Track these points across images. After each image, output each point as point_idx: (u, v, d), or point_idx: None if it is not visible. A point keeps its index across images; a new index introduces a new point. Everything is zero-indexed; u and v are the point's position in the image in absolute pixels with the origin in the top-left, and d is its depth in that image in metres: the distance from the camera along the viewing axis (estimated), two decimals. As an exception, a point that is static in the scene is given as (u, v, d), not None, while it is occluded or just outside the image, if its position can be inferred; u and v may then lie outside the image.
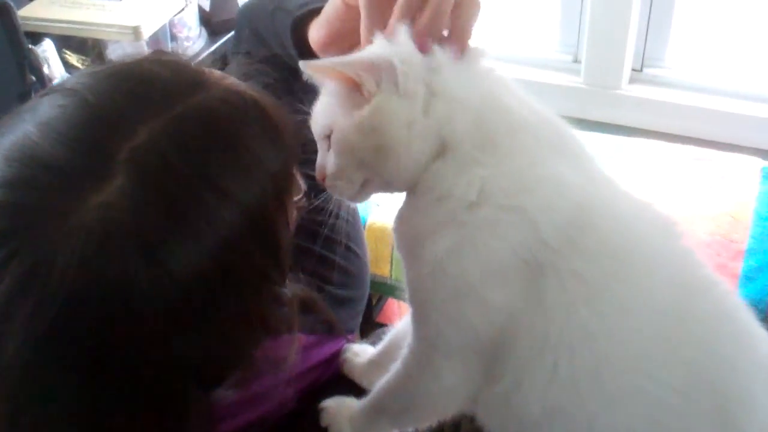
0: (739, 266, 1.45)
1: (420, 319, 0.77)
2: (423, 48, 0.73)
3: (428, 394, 0.79)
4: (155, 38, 1.97)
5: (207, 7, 2.15)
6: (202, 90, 0.69)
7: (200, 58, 2.04)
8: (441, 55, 0.74)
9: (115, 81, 0.68)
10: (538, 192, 0.70)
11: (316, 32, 0.87)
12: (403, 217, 0.77)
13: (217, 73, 0.73)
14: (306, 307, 0.89)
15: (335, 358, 0.95)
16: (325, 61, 0.75)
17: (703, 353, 0.71)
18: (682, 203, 1.57)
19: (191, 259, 0.63)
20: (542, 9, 2.17)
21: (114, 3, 1.97)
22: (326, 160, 0.77)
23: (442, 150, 0.74)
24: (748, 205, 1.57)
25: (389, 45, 0.74)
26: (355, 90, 0.74)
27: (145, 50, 1.99)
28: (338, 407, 0.88)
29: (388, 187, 0.78)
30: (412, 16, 0.74)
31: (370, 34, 0.76)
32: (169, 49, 2.01)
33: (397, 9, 0.75)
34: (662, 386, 0.69)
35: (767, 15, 1.95)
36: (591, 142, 1.78)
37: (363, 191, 0.78)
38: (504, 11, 2.25)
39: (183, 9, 2.04)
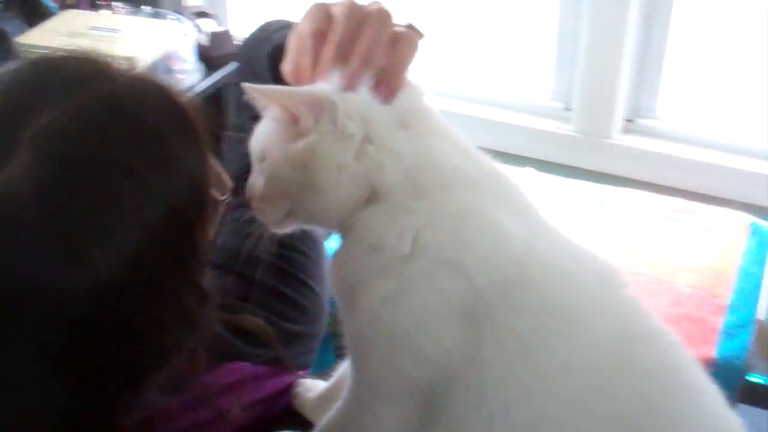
0: (720, 321, 1.44)
1: (358, 364, 0.77)
2: (350, 85, 0.74)
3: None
4: (152, 68, 1.98)
5: (206, 42, 2.17)
6: (108, 79, 0.69)
7: (196, 91, 2.05)
8: (368, 97, 0.73)
9: (26, 68, 0.69)
10: (475, 245, 0.70)
11: (285, 64, 0.86)
12: (338, 262, 0.76)
13: (126, 67, 0.73)
14: (252, 336, 0.89)
15: (286, 392, 0.95)
16: (269, 88, 0.75)
17: (643, 409, 0.70)
18: (666, 254, 1.56)
19: (102, 246, 0.62)
20: (536, 55, 2.19)
21: (113, 34, 2.00)
22: (257, 181, 0.77)
23: (373, 196, 0.73)
24: (733, 260, 1.57)
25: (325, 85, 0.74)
26: (293, 122, 0.74)
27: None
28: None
29: (313, 222, 0.78)
30: (343, 56, 0.75)
31: (304, 72, 0.77)
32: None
33: (327, 50, 0.75)
34: None
35: (759, 69, 1.97)
36: (577, 190, 1.79)
37: (286, 221, 0.78)
38: (497, 54, 2.28)
39: (180, 43, 2.06)
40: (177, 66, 2.05)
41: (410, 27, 0.79)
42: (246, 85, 0.75)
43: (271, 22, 1.14)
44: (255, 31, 1.14)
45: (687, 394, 0.73)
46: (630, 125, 2.11)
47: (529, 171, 1.86)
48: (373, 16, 0.76)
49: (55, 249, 0.61)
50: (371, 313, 0.71)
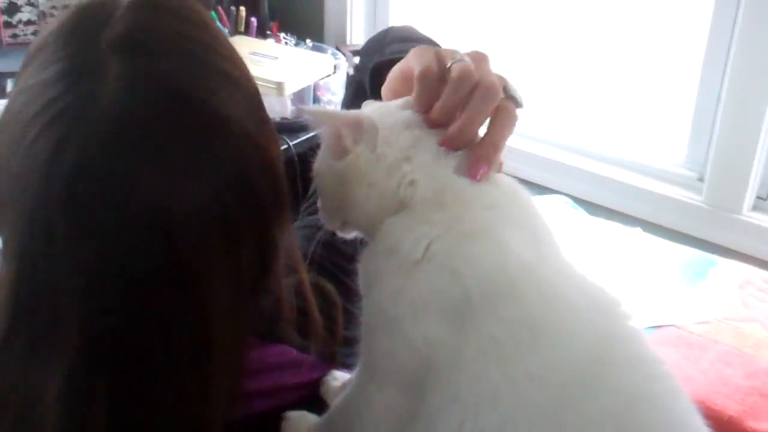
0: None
1: (364, 349, 0.84)
2: (449, 148, 0.77)
3: (360, 419, 0.85)
4: (299, 95, 2.16)
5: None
6: None
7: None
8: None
9: None
10: (477, 261, 0.74)
11: (383, 89, 0.88)
12: (362, 261, 0.84)
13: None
14: (305, 328, 0.94)
15: (315, 383, 1.02)
16: (318, 110, 0.84)
17: (610, 428, 0.71)
18: (754, 328, 1.53)
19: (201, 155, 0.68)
20: (673, 121, 2.18)
21: (271, 60, 2.19)
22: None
23: (400, 207, 0.80)
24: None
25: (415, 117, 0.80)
26: (339, 142, 0.81)
27: (289, 106, 2.19)
28: (299, 419, 0.95)
29: (356, 229, 0.86)
30: (445, 122, 0.77)
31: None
32: (310, 108, 2.19)
33: (442, 100, 0.77)
34: None
35: None
36: (683, 255, 1.78)
37: (344, 228, 0.87)
38: (633, 117, 2.29)
39: (330, 75, 2.23)
40: (325, 97, 2.22)
41: (510, 95, 0.80)
42: (301, 107, 0.84)
43: (393, 28, 1.15)
44: (376, 35, 1.15)
45: (665, 424, 0.73)
46: (762, 203, 2.06)
47: (637, 231, 1.87)
48: (482, 89, 0.76)
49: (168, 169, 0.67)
50: (379, 305, 0.78)
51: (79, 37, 0.70)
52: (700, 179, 2.12)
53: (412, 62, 0.80)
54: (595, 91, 2.35)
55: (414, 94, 0.80)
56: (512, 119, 0.79)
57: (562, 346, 0.73)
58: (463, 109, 0.77)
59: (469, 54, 0.80)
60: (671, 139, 2.21)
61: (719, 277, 1.70)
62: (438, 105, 0.77)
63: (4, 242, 0.69)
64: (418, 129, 0.80)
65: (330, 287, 0.97)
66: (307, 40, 2.42)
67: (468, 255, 0.75)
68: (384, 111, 0.83)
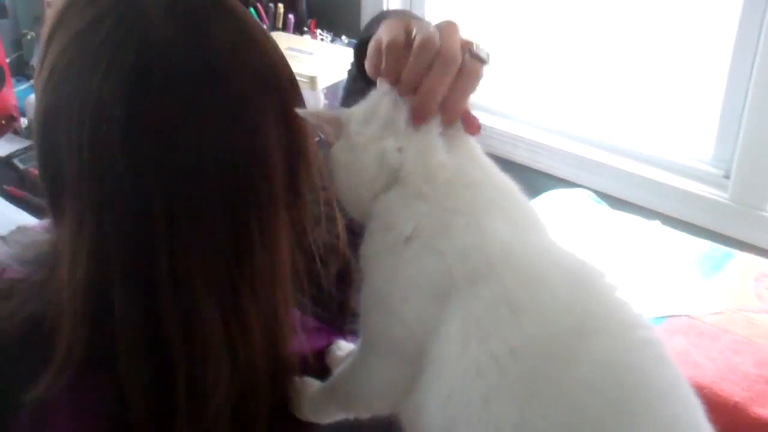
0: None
1: (363, 324, 0.89)
2: (417, 122, 0.82)
3: (362, 388, 0.89)
4: (333, 89, 2.22)
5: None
6: None
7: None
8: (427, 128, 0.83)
9: None
10: (460, 241, 0.79)
11: (366, 62, 0.91)
12: (363, 242, 0.87)
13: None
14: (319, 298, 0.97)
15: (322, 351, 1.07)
16: (307, 112, 0.86)
17: (594, 401, 0.73)
18: (766, 319, 1.55)
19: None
20: (701, 119, 2.20)
21: (306, 56, 2.26)
22: None
23: (391, 182, 0.84)
24: None
25: (388, 92, 0.84)
26: (327, 138, 0.87)
27: (322, 100, 2.26)
28: (302, 384, 1.00)
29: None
30: (409, 90, 0.82)
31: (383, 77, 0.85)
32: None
33: (405, 72, 0.81)
34: (546, 421, 0.74)
35: None
36: (701, 248, 1.80)
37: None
38: (660, 114, 2.30)
39: (363, 70, 2.28)
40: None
41: (474, 53, 0.84)
42: (296, 110, 0.84)
43: (388, 11, 1.20)
44: (371, 20, 1.21)
45: (646, 391, 0.74)
46: (787, 201, 2.07)
47: (655, 224, 1.90)
48: (442, 57, 0.80)
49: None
50: (375, 285, 0.83)
51: None
52: (726, 176, 2.14)
53: (381, 35, 0.84)
54: (623, 87, 2.37)
55: (383, 66, 0.83)
56: (474, 78, 0.82)
57: (541, 321, 0.76)
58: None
59: (438, 24, 0.84)
60: (698, 137, 2.23)
61: (735, 269, 1.72)
62: (403, 74, 0.81)
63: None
64: (393, 104, 0.83)
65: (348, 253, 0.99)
66: (343, 37, 2.49)
67: (450, 235, 0.79)
68: (371, 96, 0.87)
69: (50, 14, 0.81)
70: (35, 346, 0.77)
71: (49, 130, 0.77)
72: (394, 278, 0.82)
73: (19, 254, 0.83)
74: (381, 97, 0.85)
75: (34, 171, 1.91)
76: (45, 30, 0.80)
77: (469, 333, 0.76)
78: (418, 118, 0.82)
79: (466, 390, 0.76)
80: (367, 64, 0.87)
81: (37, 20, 2.45)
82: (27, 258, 0.83)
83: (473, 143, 0.87)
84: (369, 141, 0.84)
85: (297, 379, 0.97)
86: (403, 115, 0.83)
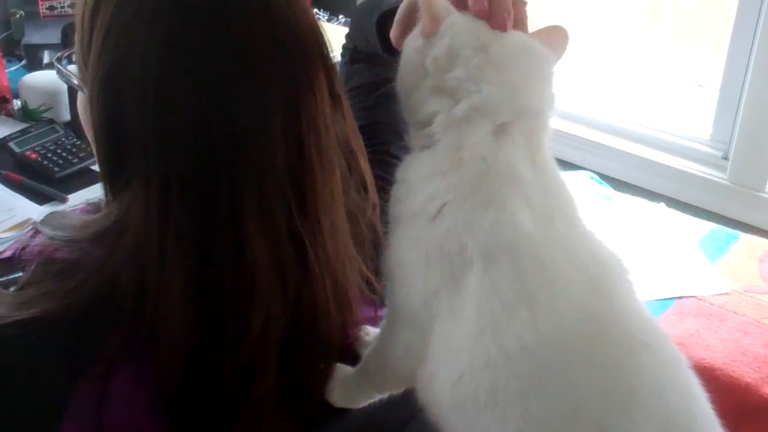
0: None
1: (388, 291, 0.89)
2: (498, 26, 0.82)
3: (387, 356, 0.89)
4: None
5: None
6: None
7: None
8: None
9: None
10: (483, 233, 0.78)
11: (391, 30, 0.92)
12: (392, 194, 0.86)
13: None
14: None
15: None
16: None
17: (594, 397, 0.75)
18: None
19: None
20: (699, 101, 2.21)
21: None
22: None
23: (428, 140, 0.84)
24: None
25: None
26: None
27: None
28: (335, 371, 1.00)
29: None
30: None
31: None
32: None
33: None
34: (549, 417, 0.75)
35: None
36: (707, 230, 1.82)
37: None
38: (660, 96, 2.31)
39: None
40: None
41: None
42: None
43: None
44: (364, 2, 1.21)
45: (649, 395, 0.75)
46: (785, 181, 2.09)
47: (660, 206, 1.91)
48: None
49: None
50: (398, 251, 0.83)
51: None
52: (725, 157, 2.15)
53: None
54: (623, 69, 2.38)
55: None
56: None
57: (555, 323, 0.76)
58: None
59: None
60: (697, 118, 2.24)
61: (740, 250, 1.74)
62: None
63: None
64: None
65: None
66: (340, 16, 2.47)
67: (476, 227, 0.78)
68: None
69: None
70: (101, 320, 0.80)
71: (111, 95, 0.80)
72: (413, 251, 0.81)
73: (69, 236, 0.84)
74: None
75: (31, 155, 1.88)
76: (86, 7, 0.82)
77: (485, 323, 0.77)
78: (497, 23, 0.82)
79: (475, 377, 0.77)
80: (395, 32, 0.88)
81: (26, -1, 2.41)
82: (81, 236, 0.84)
83: (541, 141, 0.87)
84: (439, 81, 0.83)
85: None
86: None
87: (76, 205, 0.95)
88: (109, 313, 0.80)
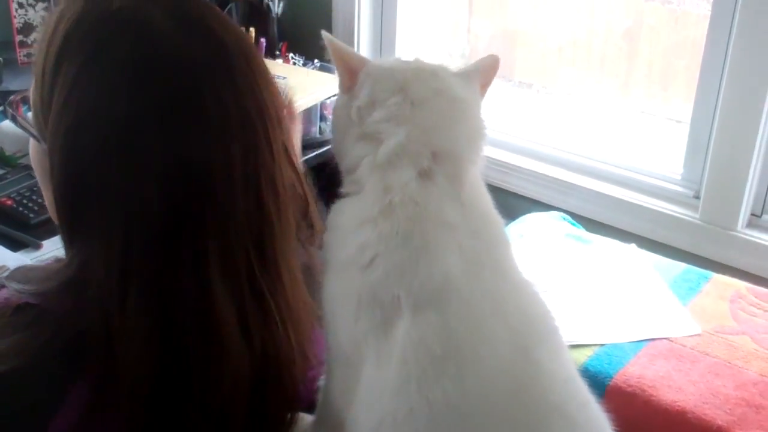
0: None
1: (325, 330, 0.90)
2: None
3: (331, 399, 0.90)
4: (307, 113, 2.22)
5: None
6: None
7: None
8: None
9: None
10: (414, 282, 0.81)
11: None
12: (324, 239, 0.90)
13: None
14: None
15: None
16: (333, 42, 0.95)
17: None
18: (744, 341, 1.58)
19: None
20: (670, 140, 2.24)
21: (279, 80, 2.25)
22: None
23: (354, 186, 0.88)
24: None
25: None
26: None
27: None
28: (301, 420, 1.00)
29: None
30: None
31: None
32: (317, 127, 2.27)
33: None
34: None
35: None
36: (677, 270, 1.84)
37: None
38: (630, 136, 2.34)
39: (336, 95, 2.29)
40: (331, 114, 2.28)
41: None
42: (324, 33, 0.95)
43: None
44: None
45: None
46: (756, 220, 2.11)
47: (632, 247, 1.93)
48: None
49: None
50: (329, 295, 0.86)
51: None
52: (696, 196, 2.18)
53: None
54: (594, 108, 2.41)
55: None
56: None
57: (481, 381, 0.78)
58: None
59: None
60: (668, 157, 2.27)
61: (711, 291, 1.76)
62: None
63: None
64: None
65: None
66: (315, 61, 2.49)
67: (407, 277, 0.81)
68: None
69: (45, 47, 0.84)
70: (67, 369, 0.81)
71: (74, 148, 0.81)
72: (347, 295, 0.84)
73: (35, 288, 0.85)
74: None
75: (6, 201, 1.88)
76: (46, 63, 0.84)
77: (410, 372, 0.78)
78: None
79: (396, 425, 0.78)
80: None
81: (4, 45, 2.42)
82: (47, 288, 0.85)
83: (473, 175, 0.89)
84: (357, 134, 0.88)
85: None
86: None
87: (45, 256, 0.94)
88: (76, 362, 0.81)
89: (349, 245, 0.85)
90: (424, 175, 0.86)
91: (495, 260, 0.86)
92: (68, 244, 0.85)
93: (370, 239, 0.84)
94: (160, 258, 0.81)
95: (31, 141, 0.93)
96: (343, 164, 0.91)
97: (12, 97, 0.98)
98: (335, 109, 0.93)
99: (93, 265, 0.81)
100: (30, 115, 0.94)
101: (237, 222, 0.83)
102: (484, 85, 0.97)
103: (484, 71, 0.96)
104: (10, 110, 0.97)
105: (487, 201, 0.91)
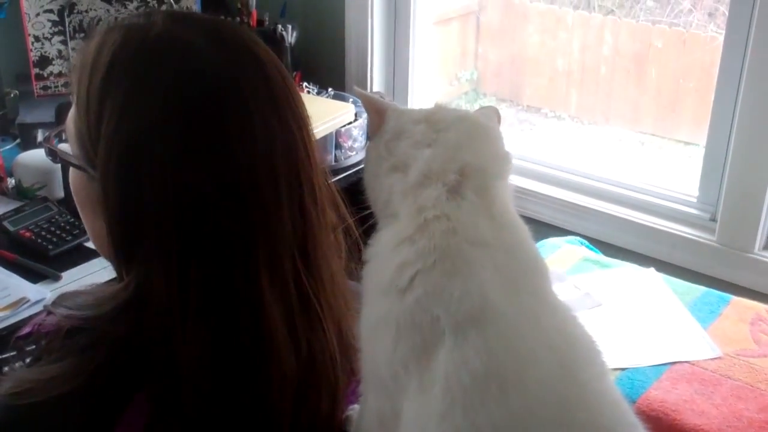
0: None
1: (362, 361, 0.89)
2: None
3: (366, 422, 0.89)
4: (322, 142, 2.23)
5: (375, 123, 2.40)
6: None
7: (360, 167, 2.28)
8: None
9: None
10: (453, 303, 0.80)
11: None
12: (363, 270, 0.89)
13: None
14: None
15: None
16: (361, 92, 0.99)
17: None
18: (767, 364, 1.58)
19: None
20: (681, 162, 2.24)
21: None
22: None
23: (392, 211, 0.88)
24: None
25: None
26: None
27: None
28: None
29: None
30: None
31: None
32: (332, 155, 2.28)
33: None
34: None
35: None
36: (698, 294, 1.83)
37: None
38: (641, 159, 2.34)
39: (351, 122, 2.31)
40: (346, 143, 2.30)
41: None
42: (355, 88, 0.98)
43: None
44: None
45: None
46: (773, 242, 2.11)
47: (651, 271, 1.92)
48: None
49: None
50: (368, 324, 0.85)
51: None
52: (713, 219, 2.17)
53: None
54: (609, 132, 2.42)
55: None
56: None
57: (526, 402, 0.77)
58: None
59: None
60: (681, 180, 2.27)
61: (731, 314, 1.75)
62: None
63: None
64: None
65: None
66: (329, 89, 2.51)
67: (446, 296, 0.80)
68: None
69: (88, 77, 0.86)
70: (120, 392, 0.84)
71: (128, 174, 0.83)
72: (386, 323, 0.83)
73: (86, 313, 0.87)
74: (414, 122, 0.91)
75: (25, 233, 1.89)
76: (90, 92, 0.86)
77: (454, 399, 0.77)
78: None
79: None
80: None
81: (20, 78, 2.45)
82: (100, 313, 0.86)
83: (502, 192, 0.89)
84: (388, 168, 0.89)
85: None
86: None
87: (64, 288, 0.96)
88: (132, 383, 0.84)
89: (387, 267, 0.85)
90: (453, 190, 0.87)
91: (531, 280, 0.86)
92: (124, 267, 0.87)
93: (408, 257, 0.84)
94: (216, 270, 0.84)
95: (72, 172, 0.94)
96: (379, 202, 0.92)
97: (47, 134, 1.00)
98: (367, 152, 0.95)
99: (153, 284, 0.83)
100: (63, 145, 0.95)
101: (283, 229, 0.86)
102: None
103: (494, 115, 0.99)
104: (48, 146, 0.98)
105: (519, 220, 0.91)
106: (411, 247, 0.84)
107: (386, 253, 0.86)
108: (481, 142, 0.92)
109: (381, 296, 0.85)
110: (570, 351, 0.82)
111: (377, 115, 0.94)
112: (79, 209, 0.96)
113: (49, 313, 0.90)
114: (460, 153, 0.89)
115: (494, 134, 0.95)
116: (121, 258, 0.87)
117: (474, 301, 0.80)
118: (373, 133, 0.94)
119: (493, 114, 0.98)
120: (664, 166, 2.35)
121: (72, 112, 0.90)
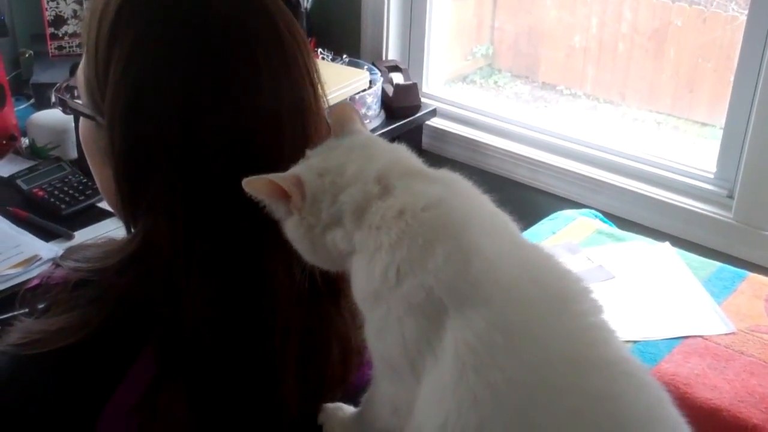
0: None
1: (370, 350, 0.88)
2: None
3: (377, 416, 0.89)
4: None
5: (390, 92, 2.38)
6: None
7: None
8: None
9: None
10: (442, 271, 0.79)
11: None
12: (354, 295, 0.87)
13: None
14: None
15: None
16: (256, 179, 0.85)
17: (580, 426, 0.75)
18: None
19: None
20: (697, 142, 2.22)
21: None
22: None
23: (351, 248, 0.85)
24: None
25: None
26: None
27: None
28: (335, 410, 0.99)
29: None
30: None
31: None
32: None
33: None
34: None
35: None
36: (713, 270, 1.82)
37: None
38: (664, 135, 2.32)
39: (366, 90, 2.29)
40: (360, 110, 2.28)
41: None
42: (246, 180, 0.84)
43: None
44: None
45: (626, 419, 0.76)
46: (790, 220, 2.09)
47: (666, 245, 1.91)
48: None
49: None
50: (373, 330, 0.84)
51: None
52: (730, 196, 2.15)
53: None
54: (625, 112, 2.39)
55: None
56: None
57: (536, 350, 0.76)
58: None
59: None
60: (701, 157, 2.24)
61: (746, 290, 1.73)
62: None
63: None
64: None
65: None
66: (344, 56, 2.49)
67: (431, 265, 0.79)
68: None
69: (97, 23, 0.85)
70: (128, 345, 0.84)
71: (135, 121, 0.83)
72: (389, 319, 0.82)
73: (93, 266, 0.87)
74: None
75: (38, 192, 1.89)
76: (99, 38, 0.85)
77: (465, 362, 0.76)
78: None
79: (461, 418, 0.76)
80: None
81: (35, 38, 2.44)
82: (107, 265, 0.86)
83: (400, 150, 0.89)
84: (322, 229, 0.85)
85: (329, 405, 0.97)
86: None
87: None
88: (139, 333, 0.84)
89: (372, 279, 0.83)
90: (383, 191, 0.85)
91: (500, 220, 0.86)
92: (131, 218, 0.87)
93: (385, 259, 0.82)
94: (221, 220, 0.84)
95: (82, 122, 0.93)
96: (330, 260, 0.87)
97: (58, 85, 0.98)
98: (290, 233, 0.86)
99: (158, 235, 0.83)
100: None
101: None
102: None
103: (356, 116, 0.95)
104: (58, 96, 0.97)
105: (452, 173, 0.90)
106: (381, 252, 0.82)
107: (368, 273, 0.84)
108: (376, 148, 0.90)
109: (377, 303, 0.84)
110: (562, 286, 0.81)
111: (298, 191, 0.84)
112: (88, 160, 0.95)
113: (58, 266, 0.90)
114: (371, 164, 0.86)
115: (374, 139, 0.92)
116: (128, 208, 0.86)
117: (458, 258, 0.79)
118: (294, 207, 0.85)
119: (356, 115, 0.92)
120: (680, 146, 2.32)
121: (82, 62, 0.89)
